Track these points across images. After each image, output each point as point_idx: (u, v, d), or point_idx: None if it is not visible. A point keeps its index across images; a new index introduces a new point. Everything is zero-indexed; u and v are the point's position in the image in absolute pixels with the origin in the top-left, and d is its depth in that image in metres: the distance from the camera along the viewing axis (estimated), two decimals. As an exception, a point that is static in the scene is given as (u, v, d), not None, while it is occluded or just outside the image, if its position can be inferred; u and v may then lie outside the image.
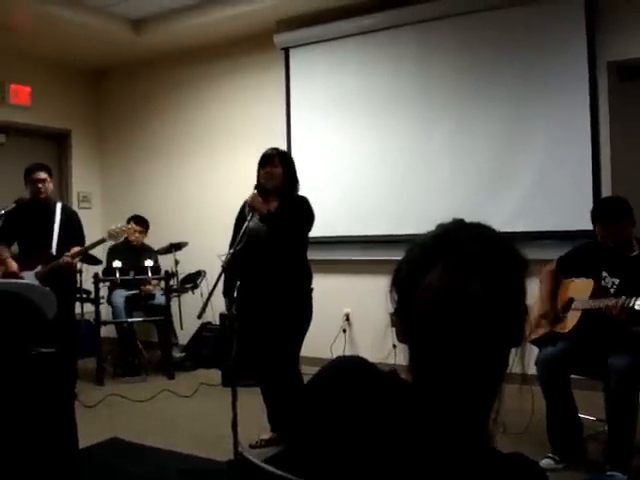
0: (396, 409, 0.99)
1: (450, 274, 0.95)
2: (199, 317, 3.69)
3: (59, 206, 5.53)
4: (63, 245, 5.34)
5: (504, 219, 5.22)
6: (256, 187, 4.17)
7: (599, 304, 3.63)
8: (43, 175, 5.36)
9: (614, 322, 3.52)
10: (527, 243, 5.00)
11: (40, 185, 5.33)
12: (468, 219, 1.09)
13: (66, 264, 5.26)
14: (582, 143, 5.27)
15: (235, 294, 4.13)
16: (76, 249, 5.34)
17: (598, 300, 3.66)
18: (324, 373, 1.13)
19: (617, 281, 3.72)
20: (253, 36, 6.90)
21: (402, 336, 1.05)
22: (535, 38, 5.45)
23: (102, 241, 5.61)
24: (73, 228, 5.50)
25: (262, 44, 6.83)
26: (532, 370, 3.72)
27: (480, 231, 1.06)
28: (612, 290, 3.71)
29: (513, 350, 1.03)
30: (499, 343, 0.97)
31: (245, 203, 4.23)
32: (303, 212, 4.19)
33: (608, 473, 3.41)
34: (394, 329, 1.08)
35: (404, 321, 1.03)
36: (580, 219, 5.12)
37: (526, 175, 5.51)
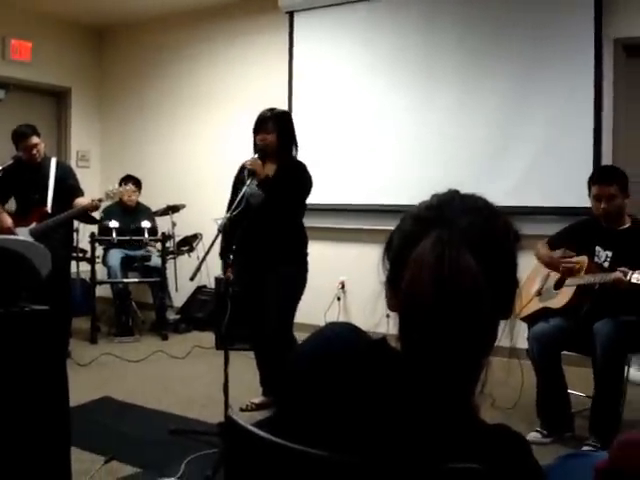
0: (384, 376, 0.99)
1: (441, 245, 0.95)
2: (192, 279, 3.68)
3: (53, 162, 5.44)
4: (59, 201, 5.30)
5: (505, 191, 5.20)
6: (257, 152, 4.09)
7: (594, 279, 3.65)
8: (35, 140, 5.26)
9: (607, 297, 3.56)
10: (526, 218, 5.00)
11: (34, 151, 5.27)
12: (467, 191, 1.09)
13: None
14: (585, 119, 5.23)
15: (231, 258, 4.13)
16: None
17: (593, 275, 3.68)
18: (314, 339, 1.13)
19: (610, 254, 3.75)
20: (257, -2, 6.84)
21: (392, 305, 1.05)
22: (543, 12, 5.39)
23: (99, 201, 5.58)
24: (68, 183, 5.44)
25: (266, 7, 6.75)
26: (520, 344, 3.73)
27: (473, 203, 1.06)
28: (606, 264, 3.74)
29: (502, 323, 1.03)
30: (488, 315, 0.97)
31: (242, 166, 4.20)
32: (300, 179, 4.13)
33: (584, 448, 3.44)
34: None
35: (395, 290, 1.03)
36: (580, 196, 5.12)
37: (528, 148, 5.47)
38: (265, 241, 4.08)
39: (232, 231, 3.90)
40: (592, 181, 3.82)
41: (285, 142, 4.15)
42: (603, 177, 3.78)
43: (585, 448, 3.45)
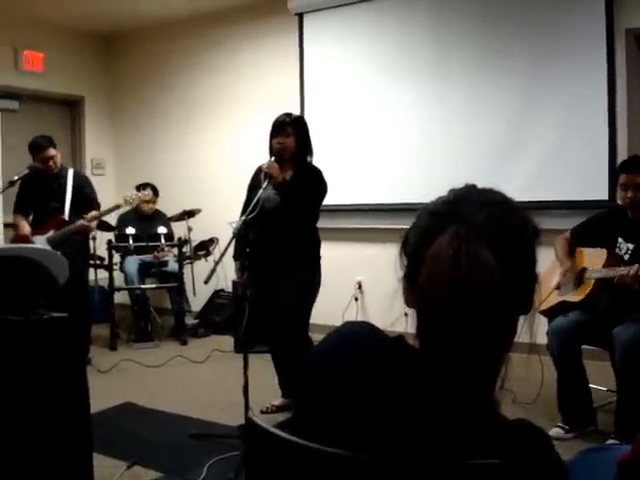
0: (402, 374, 0.99)
1: (458, 240, 0.94)
2: (206, 283, 3.70)
3: (71, 172, 5.50)
4: (75, 211, 5.34)
5: (518, 188, 5.16)
6: (274, 154, 4.06)
7: (613, 273, 3.62)
8: (52, 152, 5.30)
9: (625, 291, 3.52)
10: (541, 212, 4.97)
11: (51, 163, 5.31)
12: (481, 186, 1.08)
13: (80, 227, 5.28)
14: (598, 112, 5.18)
15: (245, 261, 4.14)
16: (93, 213, 5.37)
17: (612, 269, 3.65)
18: (331, 338, 1.13)
19: (632, 246, 3.72)
20: (267, 1, 6.83)
21: (410, 301, 1.05)
22: (553, 4, 5.35)
23: (117, 207, 5.62)
24: (85, 193, 5.49)
25: (275, 9, 6.75)
26: (540, 339, 3.70)
27: (491, 197, 1.05)
28: (626, 256, 3.71)
29: (521, 318, 1.03)
30: (507, 310, 0.96)
31: (259, 169, 4.20)
32: (317, 185, 4.13)
33: (609, 442, 3.41)
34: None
35: (412, 286, 1.03)
36: (595, 189, 5.09)
37: (541, 143, 5.43)
38: (279, 245, 4.08)
39: (247, 235, 3.90)
40: (620, 170, 3.82)
41: (302, 147, 4.15)
42: (631, 166, 3.76)
43: (609, 442, 3.42)
